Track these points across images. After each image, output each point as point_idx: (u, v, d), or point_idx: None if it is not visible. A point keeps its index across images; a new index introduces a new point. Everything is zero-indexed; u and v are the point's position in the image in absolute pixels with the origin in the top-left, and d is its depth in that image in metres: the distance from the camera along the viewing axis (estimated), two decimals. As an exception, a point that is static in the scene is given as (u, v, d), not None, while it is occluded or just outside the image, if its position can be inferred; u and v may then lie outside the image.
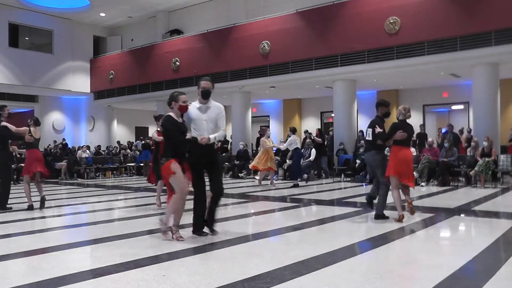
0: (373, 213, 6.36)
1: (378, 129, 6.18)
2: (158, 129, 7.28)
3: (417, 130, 15.47)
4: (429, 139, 12.91)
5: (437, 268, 3.82)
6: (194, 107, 5.22)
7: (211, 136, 5.07)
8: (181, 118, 5.07)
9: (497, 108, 12.49)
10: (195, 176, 5.17)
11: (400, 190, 6.17)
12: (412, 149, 12.84)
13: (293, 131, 11.78)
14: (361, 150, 13.42)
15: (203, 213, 5.22)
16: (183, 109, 5.00)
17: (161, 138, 6.16)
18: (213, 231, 5.25)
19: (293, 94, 18.90)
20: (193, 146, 5.06)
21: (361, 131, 14.97)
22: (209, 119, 5.19)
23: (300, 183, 11.78)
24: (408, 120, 6.33)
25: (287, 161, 13.72)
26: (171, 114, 5.00)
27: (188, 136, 5.12)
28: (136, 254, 4.34)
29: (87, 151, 17.53)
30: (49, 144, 18.64)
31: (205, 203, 5.21)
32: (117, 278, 3.58)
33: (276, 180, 13.85)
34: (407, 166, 6.10)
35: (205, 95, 5.21)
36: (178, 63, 18.42)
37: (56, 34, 21.49)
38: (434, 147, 12.43)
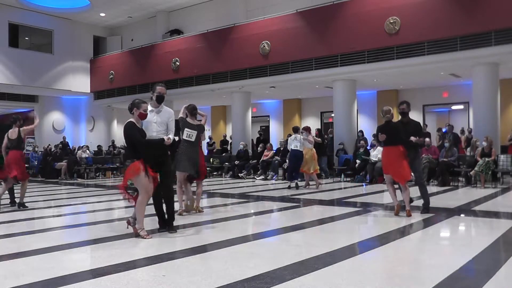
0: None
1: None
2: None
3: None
4: (426, 139, 12.85)
5: (437, 268, 3.82)
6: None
7: (171, 136, 5.40)
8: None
9: (497, 108, 12.49)
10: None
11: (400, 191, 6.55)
12: None
13: (294, 130, 11.59)
14: (361, 150, 13.42)
15: (161, 212, 5.51)
16: (143, 117, 5.21)
17: None
18: (170, 230, 5.42)
19: (293, 94, 18.88)
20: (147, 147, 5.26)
21: (361, 131, 14.96)
22: (159, 121, 5.48)
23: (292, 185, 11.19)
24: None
25: (287, 161, 13.68)
26: (133, 120, 5.14)
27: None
28: (136, 254, 4.34)
29: (87, 151, 17.53)
30: (49, 144, 18.60)
31: (159, 201, 5.48)
32: (117, 278, 3.57)
33: (275, 180, 13.87)
34: (392, 165, 6.45)
35: (159, 100, 5.55)
36: (178, 63, 18.41)
37: (56, 34, 21.47)
38: (432, 146, 12.42)
